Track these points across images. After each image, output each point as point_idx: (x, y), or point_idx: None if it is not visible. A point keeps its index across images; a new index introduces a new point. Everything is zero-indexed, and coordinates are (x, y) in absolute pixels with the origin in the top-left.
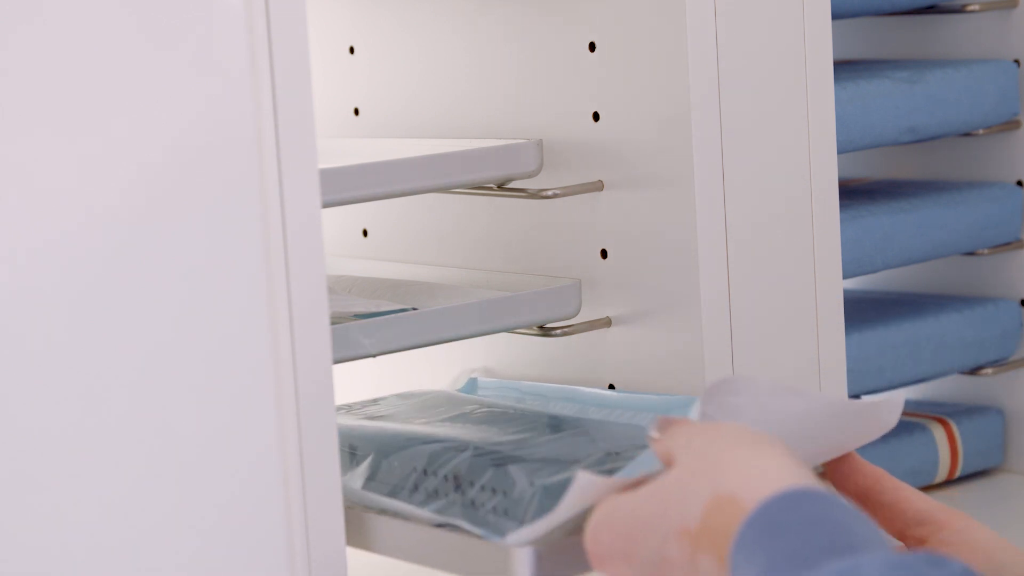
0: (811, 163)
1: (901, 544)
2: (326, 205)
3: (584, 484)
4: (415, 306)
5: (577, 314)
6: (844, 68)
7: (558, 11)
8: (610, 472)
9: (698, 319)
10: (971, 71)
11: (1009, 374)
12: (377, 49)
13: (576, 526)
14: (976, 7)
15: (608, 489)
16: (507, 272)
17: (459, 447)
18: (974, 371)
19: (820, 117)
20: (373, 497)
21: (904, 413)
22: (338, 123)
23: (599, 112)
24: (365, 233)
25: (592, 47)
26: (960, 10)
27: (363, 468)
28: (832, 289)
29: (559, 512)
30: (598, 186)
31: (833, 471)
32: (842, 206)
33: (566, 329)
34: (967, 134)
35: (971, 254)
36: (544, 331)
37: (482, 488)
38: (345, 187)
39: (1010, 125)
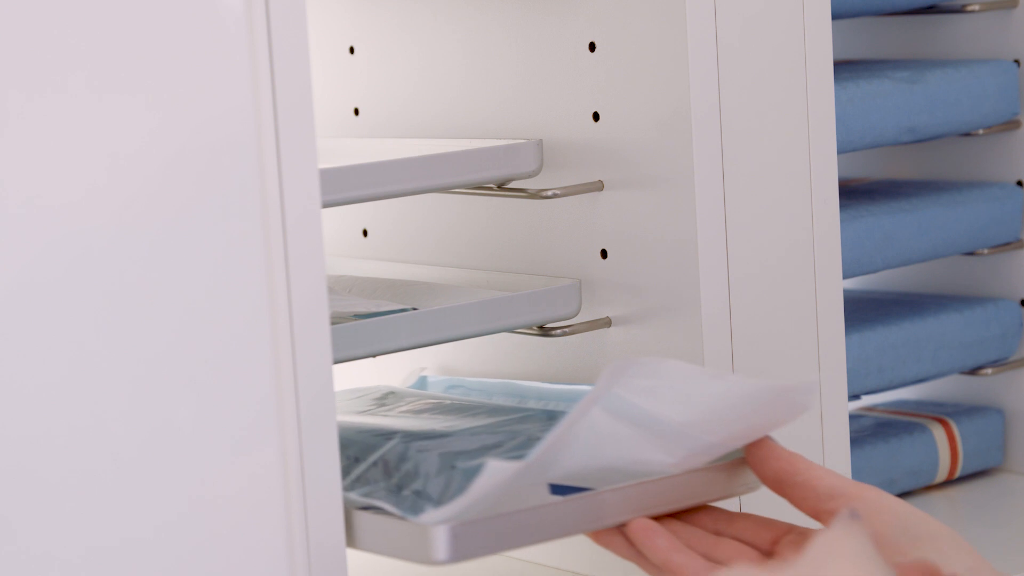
0: (811, 163)
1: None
2: (326, 205)
3: (494, 469)
4: (415, 306)
5: (577, 314)
6: (844, 68)
7: (558, 11)
8: (520, 457)
9: (698, 319)
10: (971, 71)
11: (1009, 374)
12: (377, 49)
13: (492, 508)
14: (976, 7)
15: (515, 472)
16: (507, 272)
17: (389, 435)
18: (974, 371)
19: (820, 117)
20: None
21: (904, 413)
22: (338, 123)
23: (599, 112)
24: (365, 233)
25: (592, 47)
26: (960, 10)
27: None
28: (832, 289)
29: (470, 494)
30: (598, 186)
31: (751, 455)
32: (842, 206)
33: (566, 329)
34: (967, 134)
35: (971, 254)
36: (544, 331)
37: (406, 473)
38: (345, 187)
39: (1010, 125)
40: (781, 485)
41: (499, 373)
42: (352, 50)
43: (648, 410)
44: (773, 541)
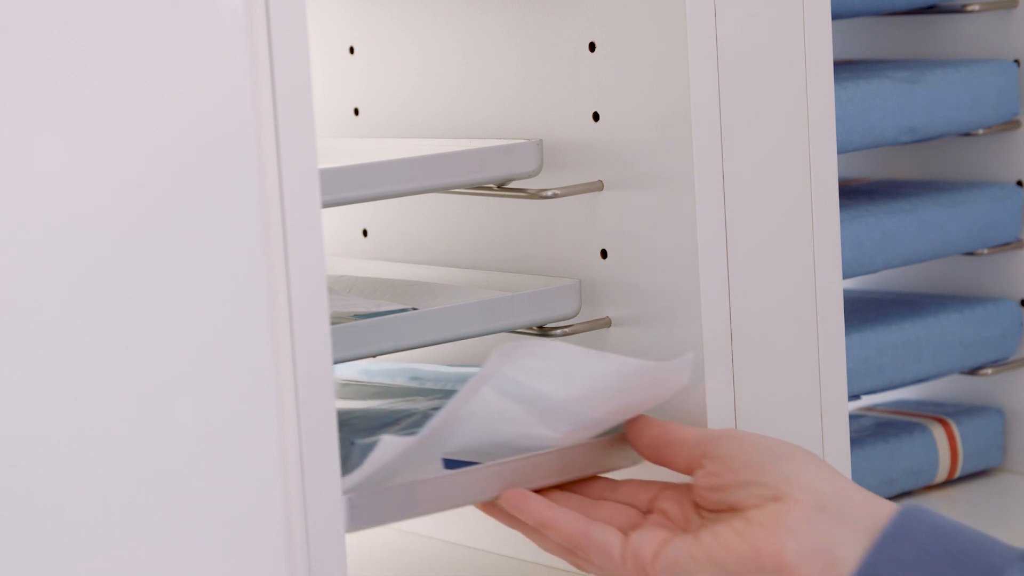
0: (811, 163)
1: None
2: (326, 205)
3: (388, 444)
4: (415, 306)
5: (577, 314)
6: (844, 68)
7: (558, 11)
8: (413, 434)
9: (698, 319)
10: (971, 71)
11: (1009, 374)
12: (377, 49)
13: (388, 480)
14: (976, 7)
15: (408, 447)
16: (507, 272)
17: None
18: (974, 371)
19: (820, 117)
20: None
21: (904, 413)
22: (338, 123)
23: (599, 112)
24: (365, 233)
25: (592, 47)
26: (960, 10)
27: None
28: (832, 289)
29: (366, 467)
30: (598, 186)
31: (629, 429)
32: (842, 206)
33: (566, 329)
34: (967, 134)
35: (971, 254)
36: (544, 331)
37: None
38: (345, 187)
39: (1010, 125)
40: (657, 450)
41: None
42: (352, 50)
43: (535, 388)
44: (651, 500)
